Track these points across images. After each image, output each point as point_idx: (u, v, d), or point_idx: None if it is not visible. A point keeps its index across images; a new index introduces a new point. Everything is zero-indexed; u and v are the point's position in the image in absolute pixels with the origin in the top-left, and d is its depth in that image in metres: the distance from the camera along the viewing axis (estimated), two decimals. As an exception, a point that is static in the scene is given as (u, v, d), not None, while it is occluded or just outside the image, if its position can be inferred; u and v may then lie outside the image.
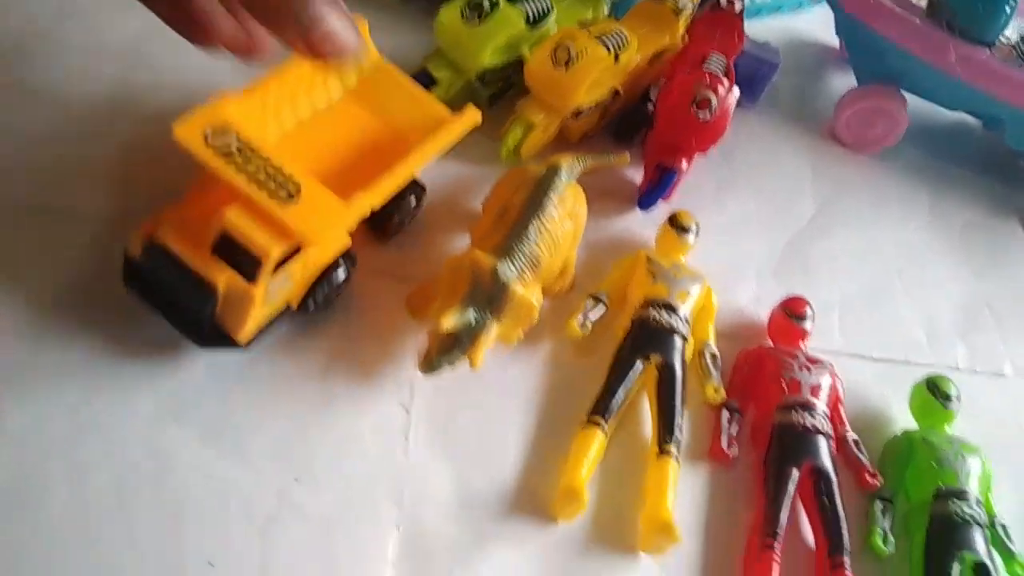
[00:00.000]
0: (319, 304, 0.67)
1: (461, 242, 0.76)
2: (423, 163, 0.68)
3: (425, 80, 0.79)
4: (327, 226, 0.61)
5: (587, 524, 0.64)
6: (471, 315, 0.64)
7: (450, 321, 0.63)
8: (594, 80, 0.79)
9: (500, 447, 0.67)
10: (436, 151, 0.69)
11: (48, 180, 0.70)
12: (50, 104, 0.75)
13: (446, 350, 0.64)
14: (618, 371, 0.70)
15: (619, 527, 0.64)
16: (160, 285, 0.61)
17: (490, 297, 0.64)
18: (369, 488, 0.62)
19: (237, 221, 0.59)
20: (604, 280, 0.76)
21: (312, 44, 0.53)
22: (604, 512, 0.65)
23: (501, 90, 0.85)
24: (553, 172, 0.71)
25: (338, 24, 0.54)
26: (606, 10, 0.89)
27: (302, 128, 0.70)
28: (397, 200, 0.71)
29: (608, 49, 0.79)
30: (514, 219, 0.68)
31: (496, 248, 0.66)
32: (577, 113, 0.81)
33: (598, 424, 0.66)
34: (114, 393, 0.61)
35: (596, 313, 0.73)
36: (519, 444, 0.67)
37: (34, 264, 0.65)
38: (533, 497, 0.65)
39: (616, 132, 0.88)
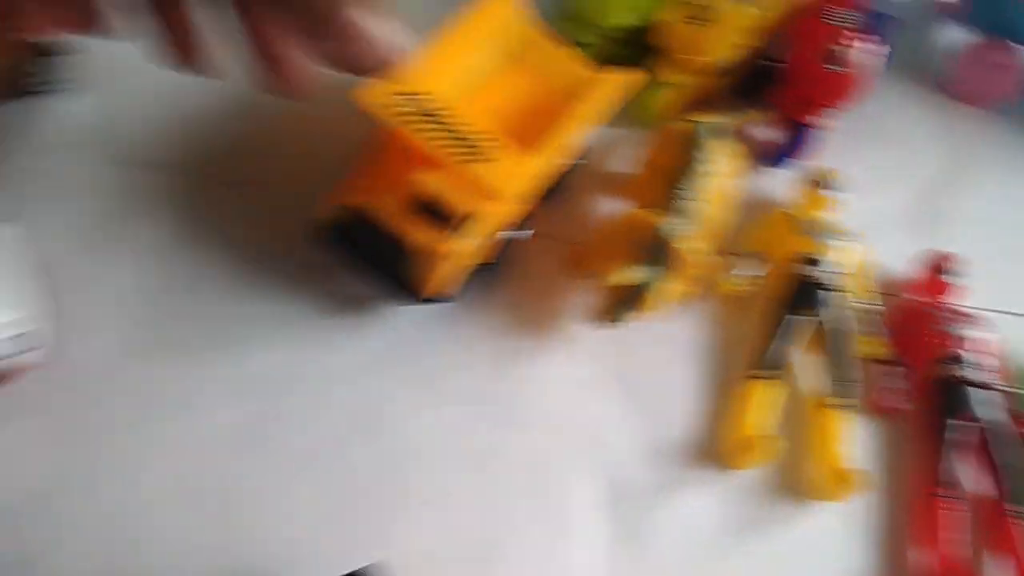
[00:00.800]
0: (501, 263, 0.71)
1: (607, 202, 0.79)
2: (596, 121, 0.70)
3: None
4: (517, 181, 0.64)
5: (766, 473, 0.70)
6: (642, 271, 0.68)
7: (623, 277, 0.67)
8: (733, 38, 0.80)
9: (675, 398, 0.72)
10: (607, 108, 0.70)
11: (243, 155, 0.75)
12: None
13: (619, 306, 0.69)
14: (777, 327, 0.74)
15: (795, 476, 0.70)
16: (359, 247, 0.66)
17: (659, 254, 0.68)
18: (564, 434, 0.68)
19: (431, 181, 0.63)
20: (748, 238, 0.79)
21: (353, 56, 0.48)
22: (781, 462, 0.70)
23: (636, 53, 0.86)
24: (701, 130, 0.75)
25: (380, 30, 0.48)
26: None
27: (473, 91, 0.70)
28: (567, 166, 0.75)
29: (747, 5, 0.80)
30: (675, 177, 0.72)
31: (661, 206, 0.69)
32: (714, 72, 0.83)
33: (765, 377, 0.71)
34: (324, 345, 0.67)
35: (748, 270, 0.77)
36: (692, 396, 0.73)
37: (238, 233, 0.71)
38: (712, 446, 0.70)
39: (743, 90, 0.89)
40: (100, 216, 0.69)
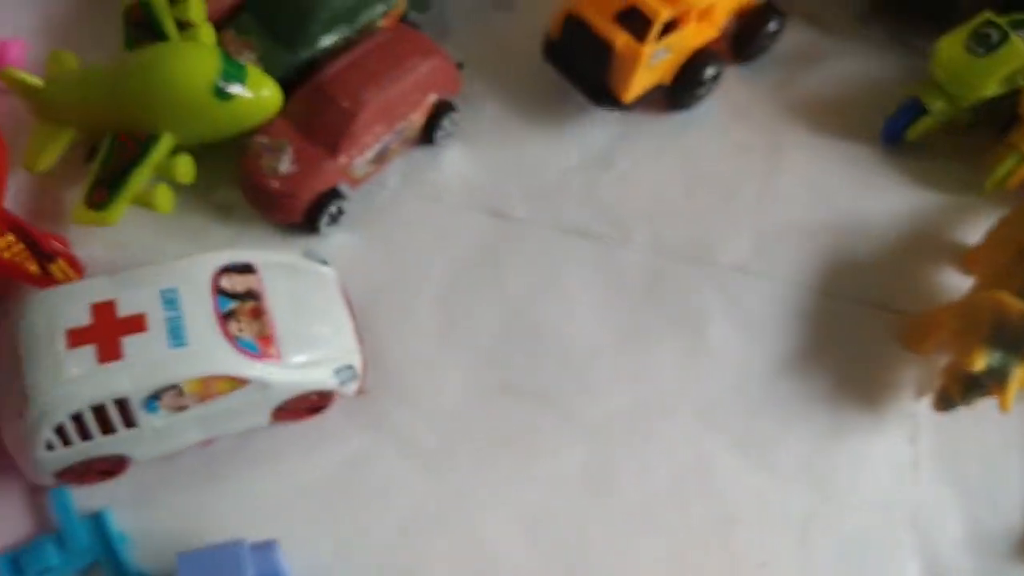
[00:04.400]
0: (686, 101, 0.81)
1: (947, 275, 0.77)
2: None
3: (917, 110, 0.79)
4: None
5: None
6: (997, 357, 0.65)
7: (981, 362, 0.64)
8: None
9: (1006, 486, 0.69)
10: None
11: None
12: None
13: (967, 390, 0.66)
14: None
15: None
16: (572, 52, 0.78)
17: (1017, 340, 0.65)
18: (887, 513, 0.67)
19: None
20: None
21: None
22: None
23: (981, 119, 0.83)
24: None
25: None
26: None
27: None
28: (759, 22, 0.82)
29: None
30: (1040, 258, 0.68)
31: (1020, 290, 0.66)
32: (1076, 143, 0.78)
33: None
34: (662, 404, 0.70)
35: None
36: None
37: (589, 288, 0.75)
38: None
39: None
40: (470, 261, 0.76)
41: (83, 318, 0.58)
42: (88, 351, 0.57)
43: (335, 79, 0.72)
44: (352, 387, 0.65)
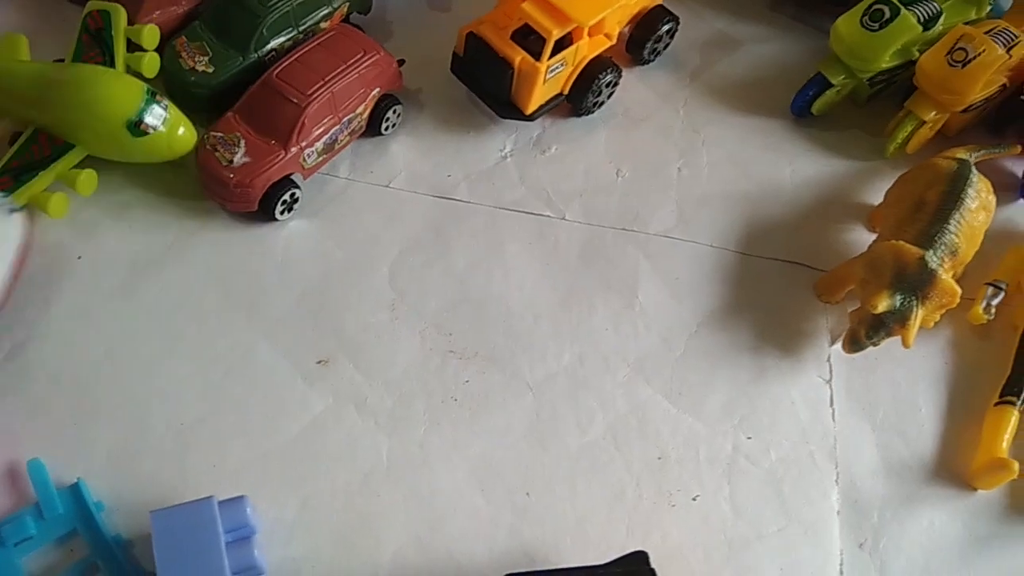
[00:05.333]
0: (586, 107, 0.87)
1: (854, 232, 0.84)
2: None
3: (822, 84, 0.87)
4: (594, 12, 0.81)
5: (1006, 493, 0.71)
6: (898, 300, 0.72)
7: (883, 305, 0.71)
8: (988, 77, 0.83)
9: (915, 418, 0.76)
10: None
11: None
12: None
13: (873, 331, 0.73)
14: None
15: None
16: (476, 68, 0.85)
17: (916, 284, 0.72)
18: (806, 447, 0.73)
19: (529, 11, 0.81)
20: (998, 268, 0.81)
21: None
22: (1020, 485, 0.72)
23: (881, 89, 0.91)
24: (967, 166, 0.77)
25: None
26: (988, 8, 0.92)
27: None
28: (652, 24, 0.90)
29: (1002, 46, 0.83)
30: (933, 211, 0.75)
31: (917, 238, 0.74)
32: (966, 109, 0.86)
33: (1012, 403, 0.73)
34: (599, 360, 0.76)
35: (997, 299, 0.79)
36: (931, 417, 0.76)
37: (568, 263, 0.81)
38: (951, 466, 0.73)
39: (993, 124, 0.91)
40: (417, 240, 0.81)
41: None
42: None
43: (284, 76, 0.78)
44: None
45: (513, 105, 0.85)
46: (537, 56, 0.81)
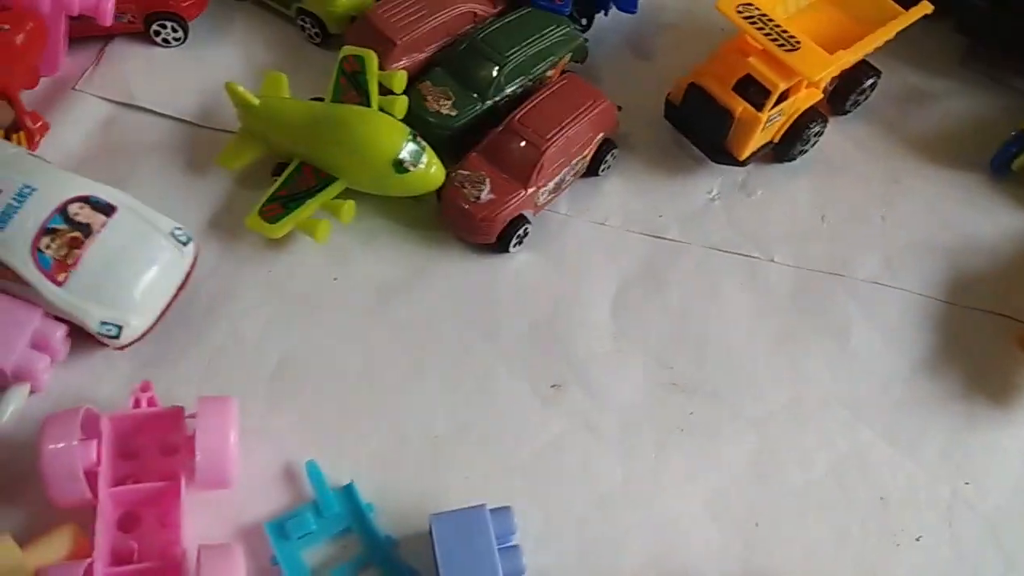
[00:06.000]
0: (791, 154, 0.92)
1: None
2: (879, 43, 0.90)
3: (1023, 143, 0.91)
4: (820, 68, 0.85)
5: None
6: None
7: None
8: None
9: None
10: (889, 35, 0.90)
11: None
12: None
13: None
14: None
15: None
16: (693, 116, 0.90)
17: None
18: (1021, 495, 0.75)
19: (756, 64, 0.86)
20: None
21: None
22: None
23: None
24: None
25: None
26: None
27: (796, 15, 0.94)
28: (857, 78, 0.95)
29: None
30: None
31: None
32: None
33: None
34: (817, 401, 0.79)
35: None
36: None
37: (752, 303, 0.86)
38: None
39: None
40: (634, 276, 0.86)
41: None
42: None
43: (525, 121, 0.85)
44: (113, 342, 0.75)
45: (726, 151, 0.90)
46: (758, 107, 0.86)
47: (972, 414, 0.79)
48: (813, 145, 0.94)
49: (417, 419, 0.77)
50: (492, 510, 0.67)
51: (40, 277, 0.73)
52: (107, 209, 0.76)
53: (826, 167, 0.95)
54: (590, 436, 0.77)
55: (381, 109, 0.87)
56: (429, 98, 0.88)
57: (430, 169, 0.83)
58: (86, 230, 0.75)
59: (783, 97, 0.86)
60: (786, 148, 0.92)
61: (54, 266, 0.74)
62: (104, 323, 0.75)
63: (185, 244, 0.79)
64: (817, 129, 0.92)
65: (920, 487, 0.76)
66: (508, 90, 0.90)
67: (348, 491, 0.72)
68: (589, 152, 0.89)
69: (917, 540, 0.73)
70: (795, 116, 0.90)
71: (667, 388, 0.80)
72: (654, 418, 0.78)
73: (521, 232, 0.85)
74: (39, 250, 0.73)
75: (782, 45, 0.84)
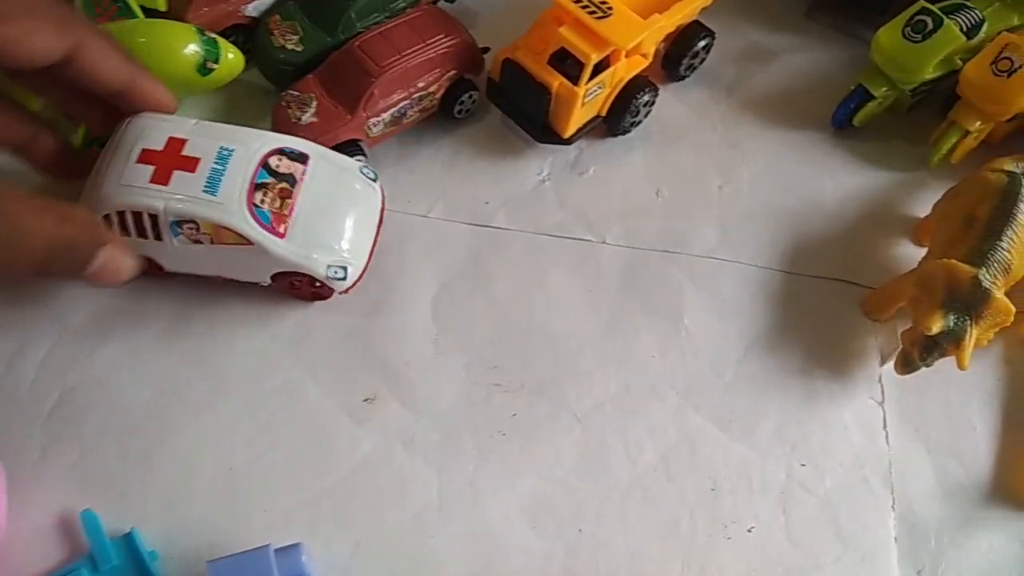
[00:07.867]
0: (623, 127, 0.87)
1: (901, 246, 0.83)
2: (696, 4, 0.86)
3: (863, 97, 0.86)
4: (632, 35, 0.80)
5: None
6: (951, 320, 0.70)
7: (937, 326, 0.70)
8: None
9: (970, 439, 0.74)
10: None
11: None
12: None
13: (926, 352, 0.71)
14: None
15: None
16: (512, 93, 0.85)
17: (969, 303, 0.70)
18: (861, 472, 0.72)
19: (566, 35, 0.80)
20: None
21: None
22: None
23: (922, 98, 0.89)
24: (1017, 181, 0.75)
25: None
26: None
27: None
28: (688, 41, 0.90)
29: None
30: (984, 227, 0.73)
31: (969, 256, 0.72)
32: (1011, 118, 0.84)
33: None
34: (647, 388, 0.75)
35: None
36: (986, 436, 0.75)
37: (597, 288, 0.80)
38: (1008, 487, 0.72)
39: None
40: (457, 270, 0.81)
41: (159, 144, 0.71)
42: (147, 170, 0.70)
43: (364, 47, 0.81)
44: (340, 285, 0.74)
45: (551, 129, 0.85)
46: (575, 80, 0.80)
47: (810, 390, 0.76)
48: (646, 115, 0.89)
49: (210, 451, 0.71)
50: (278, 549, 0.61)
51: (263, 233, 0.70)
52: (301, 158, 0.74)
53: (662, 138, 0.90)
54: (404, 451, 0.71)
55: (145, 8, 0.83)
56: (276, 32, 0.86)
57: (228, 55, 0.82)
58: (291, 180, 0.72)
59: (602, 67, 0.81)
60: (616, 121, 0.87)
61: (273, 219, 0.70)
62: (331, 266, 0.73)
63: (374, 180, 0.78)
64: (647, 99, 0.87)
65: (753, 472, 0.72)
66: (360, 27, 0.86)
67: (128, 539, 0.65)
68: (439, 89, 0.84)
69: (749, 531, 0.69)
70: (620, 87, 0.84)
71: (489, 389, 0.74)
72: (474, 424, 0.73)
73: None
74: (256, 205, 0.70)
75: (593, 12, 0.78)
